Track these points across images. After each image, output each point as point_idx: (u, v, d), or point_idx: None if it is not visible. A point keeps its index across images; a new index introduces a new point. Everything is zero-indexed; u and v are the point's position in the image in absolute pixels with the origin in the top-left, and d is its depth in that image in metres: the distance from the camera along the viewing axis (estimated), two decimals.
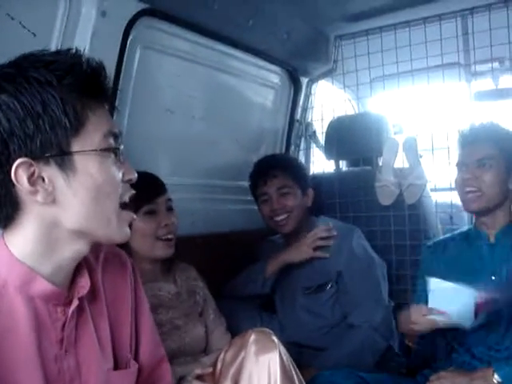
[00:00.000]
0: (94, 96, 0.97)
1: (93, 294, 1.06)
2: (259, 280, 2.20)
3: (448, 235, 2.02)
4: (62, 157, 0.92)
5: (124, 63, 1.86)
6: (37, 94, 0.90)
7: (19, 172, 0.90)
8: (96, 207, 0.96)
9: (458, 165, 1.86)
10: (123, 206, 1.01)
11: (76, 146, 0.93)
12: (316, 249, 2.16)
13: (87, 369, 1.02)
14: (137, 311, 1.18)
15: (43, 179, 0.92)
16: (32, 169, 0.91)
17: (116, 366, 1.10)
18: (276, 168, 2.29)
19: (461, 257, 1.87)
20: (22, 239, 0.95)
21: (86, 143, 0.94)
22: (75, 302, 1.00)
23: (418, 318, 1.72)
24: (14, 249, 0.95)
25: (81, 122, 0.94)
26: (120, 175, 0.99)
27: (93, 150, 0.95)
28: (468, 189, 1.79)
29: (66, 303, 1.00)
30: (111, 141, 0.98)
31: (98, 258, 1.11)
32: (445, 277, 1.77)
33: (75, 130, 0.93)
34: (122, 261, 1.18)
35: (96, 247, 1.08)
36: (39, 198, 0.92)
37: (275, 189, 2.25)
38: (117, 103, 1.89)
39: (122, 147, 1.02)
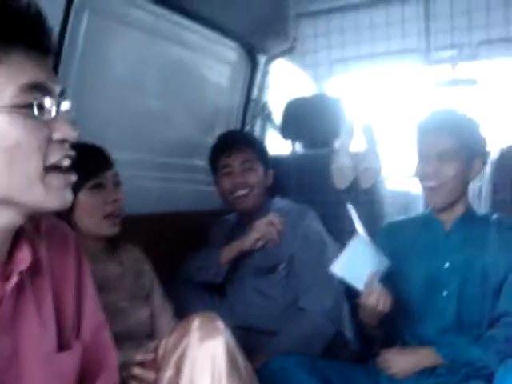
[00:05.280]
0: (8, 38, 0.83)
1: (35, 269, 0.97)
2: (212, 268, 2.15)
3: (404, 218, 2.00)
4: None
5: (69, 28, 1.74)
6: None
7: None
8: (11, 171, 0.84)
9: (418, 155, 1.81)
10: (58, 169, 0.89)
11: None
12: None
13: (27, 351, 0.93)
14: (81, 287, 1.09)
15: None
16: None
17: (59, 347, 1.01)
18: (242, 142, 2.26)
19: (415, 241, 1.85)
20: None
21: None
22: (14, 278, 0.90)
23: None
24: None
25: None
26: (45, 134, 0.87)
27: (1, 107, 0.82)
28: (430, 183, 1.75)
29: (3, 279, 0.90)
30: (33, 95, 0.85)
31: (39, 231, 1.01)
32: (397, 260, 1.76)
33: None
34: (64, 233, 1.08)
35: (36, 220, 1.00)
36: None
37: (239, 162, 2.20)
38: (61, 71, 1.77)
39: (64, 103, 0.90)
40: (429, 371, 1.70)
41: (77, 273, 1.08)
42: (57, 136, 0.88)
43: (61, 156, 0.89)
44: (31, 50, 0.86)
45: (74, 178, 0.93)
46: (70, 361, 1.03)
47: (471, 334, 1.73)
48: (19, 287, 0.93)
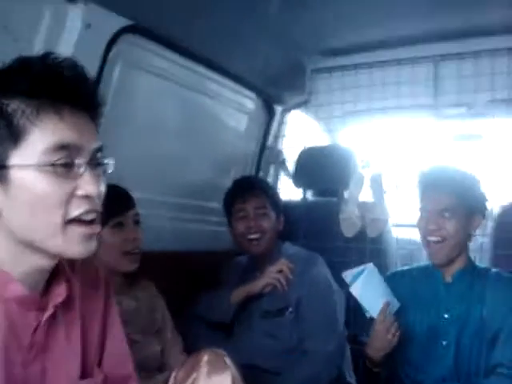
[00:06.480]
0: (44, 101, 0.90)
1: (68, 303, 1.05)
2: (222, 309, 2.22)
3: (406, 268, 2.08)
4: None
5: (103, 78, 1.87)
6: None
7: None
8: (35, 221, 0.92)
9: (420, 210, 1.89)
10: (80, 222, 0.94)
11: (15, 159, 0.89)
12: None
13: (53, 376, 1.02)
14: (106, 323, 1.17)
15: None
16: None
17: (82, 375, 1.09)
18: (256, 188, 2.35)
19: (418, 291, 1.92)
20: None
21: (26, 156, 0.89)
22: (50, 310, 1.00)
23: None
24: None
25: (21, 133, 0.89)
26: (68, 190, 0.92)
27: (30, 165, 0.89)
28: (432, 238, 1.82)
29: (39, 309, 0.99)
30: (60, 154, 0.91)
31: (73, 268, 1.10)
32: (401, 308, 1.85)
33: (14, 142, 0.89)
34: (96, 272, 1.18)
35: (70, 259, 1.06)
36: None
37: (253, 207, 2.28)
38: None
39: (101, 159, 0.97)
40: None
41: (105, 308, 1.17)
42: (80, 192, 0.93)
43: (84, 210, 0.94)
44: (65, 111, 0.91)
45: (97, 229, 0.97)
46: None
47: (469, 382, 1.77)
48: (52, 318, 1.02)
